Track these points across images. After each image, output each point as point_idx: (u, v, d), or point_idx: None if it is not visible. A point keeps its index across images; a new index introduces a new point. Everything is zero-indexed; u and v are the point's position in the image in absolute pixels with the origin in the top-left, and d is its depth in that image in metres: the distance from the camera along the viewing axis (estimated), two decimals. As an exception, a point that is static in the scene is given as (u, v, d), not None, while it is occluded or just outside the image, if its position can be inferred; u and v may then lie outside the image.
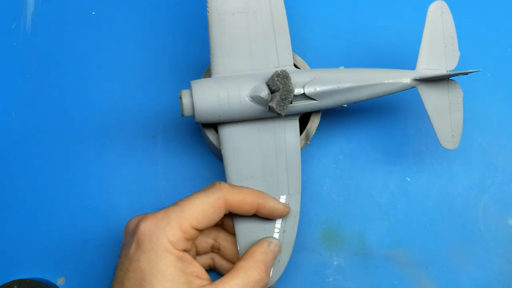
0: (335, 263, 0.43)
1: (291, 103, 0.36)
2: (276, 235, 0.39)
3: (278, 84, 0.35)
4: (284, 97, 0.35)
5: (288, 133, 0.39)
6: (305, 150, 0.45)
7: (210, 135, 0.40)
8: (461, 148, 0.46)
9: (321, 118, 0.41)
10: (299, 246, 0.43)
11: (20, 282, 0.40)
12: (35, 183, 0.44)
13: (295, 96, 0.37)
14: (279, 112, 0.35)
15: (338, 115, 0.46)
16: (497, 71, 0.47)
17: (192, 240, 0.35)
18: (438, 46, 0.39)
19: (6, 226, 0.43)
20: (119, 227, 0.43)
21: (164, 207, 0.35)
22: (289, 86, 0.35)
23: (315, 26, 0.48)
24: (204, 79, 0.37)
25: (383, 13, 0.48)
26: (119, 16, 0.47)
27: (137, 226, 0.34)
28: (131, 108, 0.45)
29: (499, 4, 0.49)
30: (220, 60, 0.38)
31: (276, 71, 0.36)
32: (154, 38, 0.47)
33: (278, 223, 0.39)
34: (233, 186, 0.37)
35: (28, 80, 0.46)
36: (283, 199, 0.39)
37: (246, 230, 0.38)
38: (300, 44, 0.46)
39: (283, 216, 0.38)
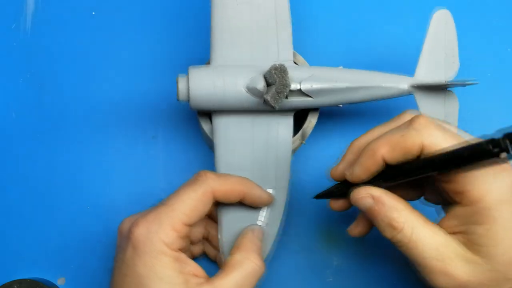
0: (335, 263, 0.43)
1: (286, 97, 0.37)
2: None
3: (275, 77, 0.35)
4: (280, 90, 0.35)
5: (281, 128, 0.39)
6: (305, 150, 0.45)
7: (205, 125, 0.40)
8: (461, 148, 0.46)
9: (320, 118, 0.41)
10: (299, 246, 0.43)
11: (20, 282, 0.40)
12: (35, 183, 0.44)
13: (291, 91, 0.37)
14: (273, 105, 0.35)
15: (337, 115, 0.46)
16: (497, 71, 0.47)
17: (187, 236, 0.35)
18: (439, 55, 0.39)
19: (6, 226, 0.43)
20: (119, 227, 0.43)
21: (154, 206, 0.35)
22: (286, 80, 0.36)
23: (318, 26, 0.48)
24: (202, 66, 0.37)
25: (387, 18, 0.48)
26: (119, 16, 0.47)
27: (130, 231, 0.34)
28: (131, 108, 0.45)
29: (499, 4, 0.49)
30: (220, 49, 0.38)
31: (274, 64, 0.36)
32: (155, 38, 0.47)
33: (262, 216, 0.39)
34: (218, 175, 0.37)
35: (28, 80, 0.46)
36: (271, 191, 0.39)
37: (230, 221, 0.38)
38: (301, 43, 0.46)
39: (267, 204, 0.39)
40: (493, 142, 0.26)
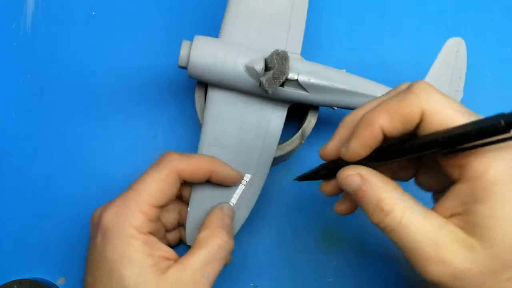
0: (335, 263, 0.43)
1: (282, 86, 0.37)
2: None
3: (275, 62, 0.36)
4: (276, 76, 0.36)
5: (273, 118, 0.39)
6: (305, 150, 0.45)
7: (198, 103, 0.40)
8: (461, 148, 0.46)
9: (320, 117, 0.41)
10: (299, 246, 0.43)
11: (20, 282, 0.40)
12: (35, 183, 0.44)
13: (288, 80, 0.37)
14: (267, 88, 0.36)
15: (336, 116, 0.46)
16: (497, 71, 0.47)
17: (156, 219, 0.35)
18: (444, 81, 0.39)
19: (6, 226, 0.43)
20: (119, 227, 0.43)
21: (122, 192, 0.35)
22: (284, 68, 0.36)
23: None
24: (208, 37, 0.38)
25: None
26: (119, 16, 0.47)
27: (99, 218, 0.34)
28: (132, 108, 0.45)
29: (499, 3, 0.49)
30: (230, 28, 0.38)
31: (277, 50, 0.36)
32: (155, 38, 0.47)
33: (234, 199, 0.39)
34: (184, 154, 0.36)
35: (28, 80, 0.46)
36: (247, 177, 0.39)
37: (200, 201, 0.38)
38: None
39: (235, 183, 0.39)
40: (505, 117, 0.24)
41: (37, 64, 0.46)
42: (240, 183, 0.39)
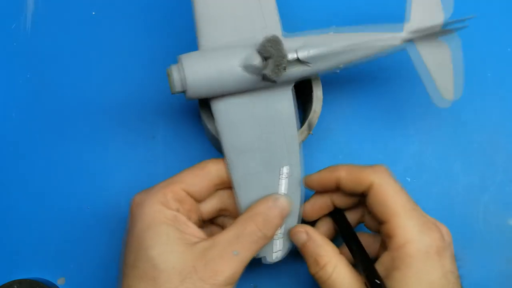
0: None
1: (285, 69, 0.35)
2: None
3: (271, 50, 0.34)
4: (278, 63, 0.34)
5: (283, 102, 0.38)
6: (305, 150, 0.45)
7: (210, 124, 0.39)
8: (461, 148, 0.46)
9: (321, 118, 0.41)
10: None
11: (20, 282, 0.40)
12: (35, 183, 0.44)
13: (288, 61, 0.36)
14: (274, 79, 0.34)
15: (337, 114, 0.46)
16: (497, 71, 0.47)
17: (187, 203, 0.35)
18: None
19: (6, 226, 0.43)
20: (119, 227, 0.43)
21: None
22: (282, 52, 0.34)
23: None
24: (192, 52, 0.36)
25: None
26: (119, 16, 0.47)
27: (131, 202, 0.35)
28: (132, 108, 0.45)
29: (499, 4, 0.49)
30: (206, 31, 0.37)
31: (267, 37, 0.35)
32: (156, 38, 0.47)
33: (281, 190, 0.38)
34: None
35: (28, 80, 0.46)
36: (286, 169, 0.38)
37: (247, 196, 0.37)
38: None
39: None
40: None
41: (37, 64, 0.46)
42: (280, 177, 0.38)
